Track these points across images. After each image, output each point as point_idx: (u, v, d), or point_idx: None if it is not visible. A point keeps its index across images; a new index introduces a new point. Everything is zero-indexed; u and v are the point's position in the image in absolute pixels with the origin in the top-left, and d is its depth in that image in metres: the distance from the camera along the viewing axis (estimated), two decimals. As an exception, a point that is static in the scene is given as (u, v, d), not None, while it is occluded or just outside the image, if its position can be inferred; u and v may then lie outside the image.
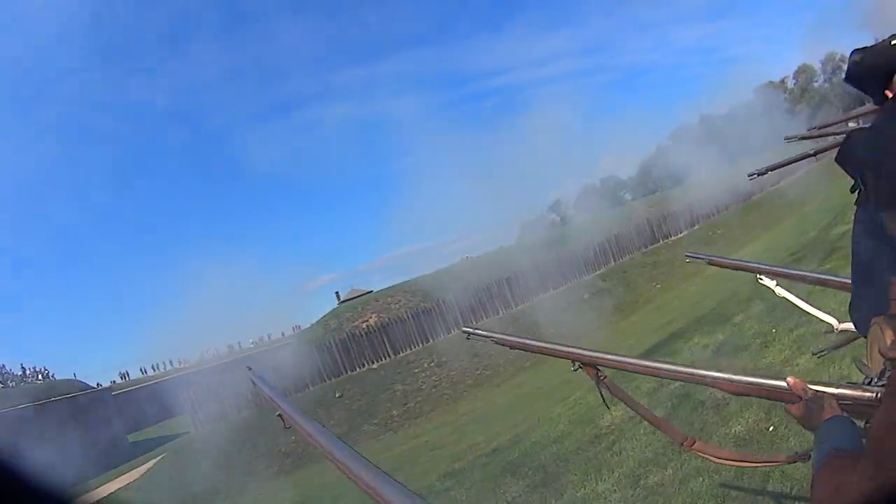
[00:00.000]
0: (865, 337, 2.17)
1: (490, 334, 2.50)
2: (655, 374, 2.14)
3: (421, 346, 26.26)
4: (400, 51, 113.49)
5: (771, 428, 5.96)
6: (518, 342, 2.51)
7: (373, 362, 25.68)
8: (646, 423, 7.28)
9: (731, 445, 5.99)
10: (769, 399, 1.81)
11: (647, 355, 11.51)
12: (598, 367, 2.31)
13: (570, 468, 7.12)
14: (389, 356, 25.90)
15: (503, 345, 2.50)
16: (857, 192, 1.63)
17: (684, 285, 24.63)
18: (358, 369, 25.45)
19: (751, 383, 1.83)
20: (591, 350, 2.34)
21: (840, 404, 1.58)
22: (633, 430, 7.44)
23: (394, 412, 22.01)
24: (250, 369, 2.51)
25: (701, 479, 5.56)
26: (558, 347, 2.37)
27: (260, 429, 21.46)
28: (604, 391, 2.41)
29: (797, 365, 7.35)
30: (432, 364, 24.71)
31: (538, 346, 2.45)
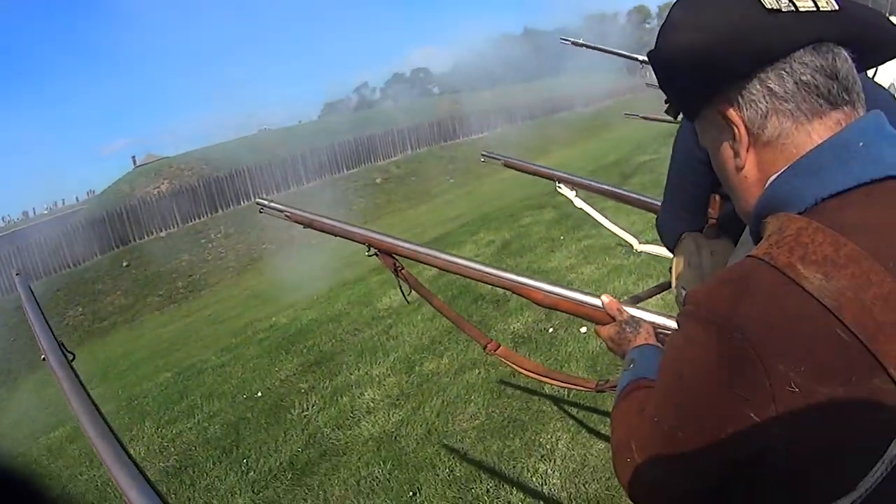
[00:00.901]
0: (672, 252, 2.15)
1: (284, 208, 2.21)
2: (463, 272, 1.93)
3: (210, 216, 25.45)
4: None
5: (550, 329, 6.08)
6: (312, 219, 2.21)
7: (161, 230, 24.68)
8: (424, 309, 7.40)
9: (508, 342, 6.06)
10: (579, 316, 1.65)
11: (430, 244, 11.64)
12: (396, 256, 2.10)
13: (345, 349, 7.06)
14: (178, 225, 24.97)
15: (296, 221, 2.22)
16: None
17: (477, 184, 25.16)
18: (146, 237, 24.36)
19: (563, 296, 1.67)
20: (392, 236, 2.11)
21: (657, 333, 1.46)
22: (411, 315, 7.46)
23: (179, 284, 21.34)
24: (19, 275, 2.06)
25: (477, 371, 5.63)
26: (354, 230, 2.14)
27: (47, 301, 20.24)
28: (402, 283, 2.20)
29: (582, 273, 7.56)
30: (219, 235, 24.09)
31: (333, 226, 2.17)
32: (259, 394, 6.47)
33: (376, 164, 29.52)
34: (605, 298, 1.56)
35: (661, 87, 1.09)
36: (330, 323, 8.12)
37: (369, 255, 2.10)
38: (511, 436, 4.55)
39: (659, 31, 1.02)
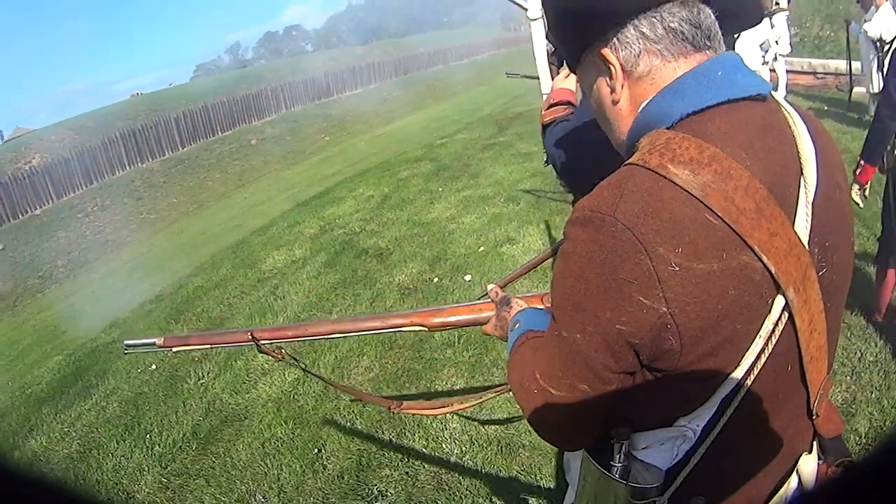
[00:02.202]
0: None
1: (153, 340, 2.04)
2: (353, 330, 1.86)
3: (84, 188, 24.26)
4: None
5: (435, 279, 6.19)
6: (187, 338, 2.05)
7: (36, 207, 23.43)
8: (308, 267, 7.41)
9: (395, 294, 6.17)
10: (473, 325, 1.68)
11: (310, 203, 11.56)
12: (274, 342, 1.97)
13: (234, 313, 7.02)
14: (52, 200, 23.75)
15: (171, 347, 2.03)
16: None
17: (353, 141, 24.89)
18: (21, 216, 23.05)
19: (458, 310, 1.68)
20: (273, 328, 1.95)
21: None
22: (296, 274, 7.50)
23: (59, 262, 20.24)
24: None
25: (367, 323, 5.67)
26: (235, 333, 2.00)
27: None
28: (298, 364, 2.19)
29: (462, 223, 7.69)
30: (96, 208, 22.99)
31: (212, 338, 2.04)
32: (153, 367, 6.35)
33: (251, 125, 28.74)
34: (489, 286, 1.66)
35: (549, 32, 1.21)
36: (216, 288, 8.04)
37: (260, 352, 1.98)
38: (407, 385, 4.65)
39: None
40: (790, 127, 1.05)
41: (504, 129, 12.78)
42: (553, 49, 1.22)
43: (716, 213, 0.90)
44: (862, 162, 3.93)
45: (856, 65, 10.10)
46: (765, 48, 9.52)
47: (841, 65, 11.71)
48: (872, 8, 8.77)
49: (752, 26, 1.20)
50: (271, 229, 10.33)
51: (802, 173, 1.01)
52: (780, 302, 0.96)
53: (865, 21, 8.98)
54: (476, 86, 31.02)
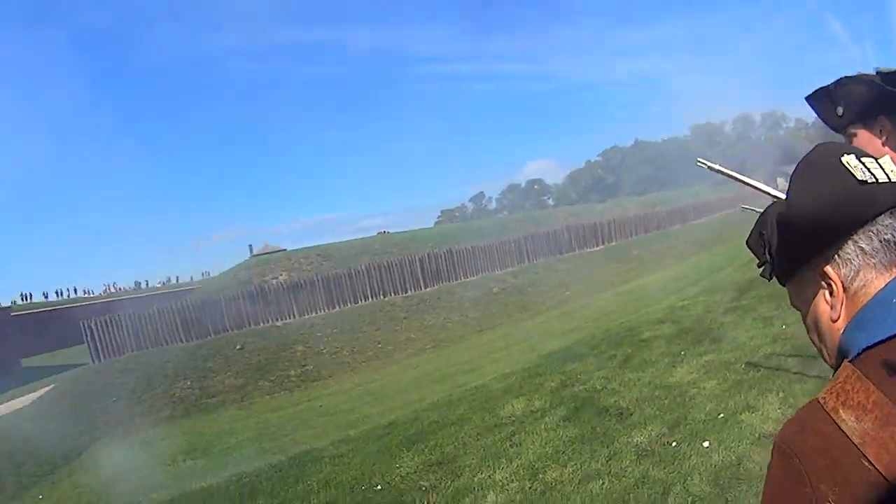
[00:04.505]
0: None
1: None
2: None
3: (326, 311, 25.99)
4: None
5: (674, 443, 5.96)
6: None
7: (277, 319, 25.29)
8: (547, 419, 7.33)
9: (632, 454, 6.00)
10: None
11: (552, 356, 11.56)
12: None
13: (468, 452, 7.05)
14: (294, 316, 25.54)
15: None
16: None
17: (594, 297, 24.92)
18: (262, 324, 25.00)
19: None
20: None
21: None
22: (534, 424, 7.44)
23: (291, 372, 21.61)
24: None
25: (601, 481, 5.55)
26: None
27: (156, 370, 20.96)
28: None
29: (703, 388, 7.38)
30: (336, 331, 24.47)
31: None
32: (378, 487, 6.50)
33: (493, 273, 29.79)
34: None
35: (776, 250, 1.22)
36: (452, 426, 8.17)
37: None
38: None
39: (785, 199, 1.19)
40: None
41: (745, 291, 12.35)
42: (760, 262, 1.22)
43: (870, 461, 0.96)
44: None
45: None
46: None
47: None
48: None
49: None
50: (511, 377, 10.38)
51: None
52: None
53: None
54: (715, 244, 30.57)
